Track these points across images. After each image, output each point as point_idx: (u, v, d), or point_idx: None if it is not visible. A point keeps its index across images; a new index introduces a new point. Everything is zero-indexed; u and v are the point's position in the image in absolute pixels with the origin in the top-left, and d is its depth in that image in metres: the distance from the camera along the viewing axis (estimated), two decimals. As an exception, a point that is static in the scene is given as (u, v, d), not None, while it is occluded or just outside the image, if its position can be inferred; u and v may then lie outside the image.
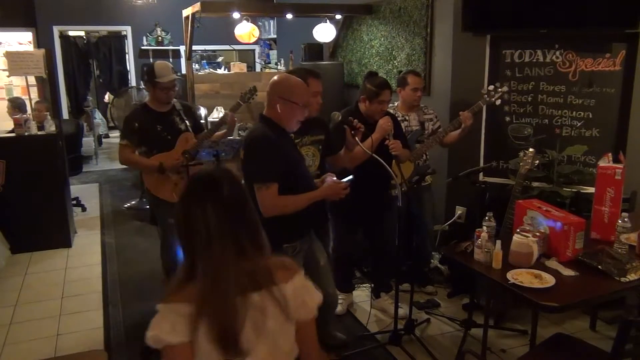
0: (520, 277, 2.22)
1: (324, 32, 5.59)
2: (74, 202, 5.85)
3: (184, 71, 7.18)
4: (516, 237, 2.40)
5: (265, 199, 2.27)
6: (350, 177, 2.44)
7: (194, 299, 1.25)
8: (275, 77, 2.40)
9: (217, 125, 3.52)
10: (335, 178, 2.43)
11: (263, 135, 2.35)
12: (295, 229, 2.42)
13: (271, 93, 2.35)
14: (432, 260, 4.06)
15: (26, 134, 4.71)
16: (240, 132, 5.66)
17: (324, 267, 2.65)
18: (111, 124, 9.76)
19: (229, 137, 3.95)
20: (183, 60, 8.62)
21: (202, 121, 5.21)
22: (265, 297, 1.29)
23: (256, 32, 5.67)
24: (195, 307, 1.24)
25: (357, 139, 2.72)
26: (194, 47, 5.73)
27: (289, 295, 1.32)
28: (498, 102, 3.45)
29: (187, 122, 3.45)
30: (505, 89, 3.42)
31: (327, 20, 5.55)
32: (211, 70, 6.58)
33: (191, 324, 1.24)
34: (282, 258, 1.42)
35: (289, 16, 5.63)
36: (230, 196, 1.35)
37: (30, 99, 5.52)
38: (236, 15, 5.33)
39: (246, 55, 9.34)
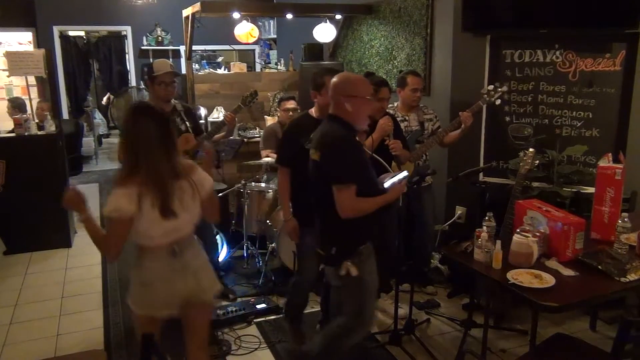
0: (520, 277, 2.22)
1: (324, 32, 5.59)
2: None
3: (184, 71, 7.18)
4: (516, 237, 2.40)
5: (346, 200, 2.23)
6: (405, 173, 2.43)
7: (140, 184, 1.95)
8: (337, 78, 2.37)
9: (218, 126, 3.51)
10: (390, 178, 2.41)
11: (344, 135, 2.32)
12: (368, 230, 2.41)
13: (335, 94, 2.33)
14: (432, 260, 4.06)
15: (26, 134, 4.71)
16: (240, 132, 5.65)
17: None
18: (111, 124, 9.77)
19: (229, 138, 3.95)
20: (183, 60, 8.61)
21: (202, 121, 5.21)
22: (183, 183, 2.05)
23: (255, 32, 5.66)
24: (141, 189, 1.95)
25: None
26: (194, 47, 5.72)
27: (198, 181, 2.10)
28: (498, 102, 3.45)
29: (187, 123, 3.46)
30: (504, 88, 3.42)
31: (327, 20, 5.55)
32: (211, 70, 6.57)
33: (139, 198, 1.95)
34: (186, 160, 2.18)
35: (289, 16, 5.62)
36: (161, 115, 2.10)
37: (30, 99, 5.51)
38: (236, 15, 5.32)
39: (246, 55, 9.33)
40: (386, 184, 2.36)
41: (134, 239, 2.04)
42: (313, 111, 2.90)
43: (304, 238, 2.93)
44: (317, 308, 3.45)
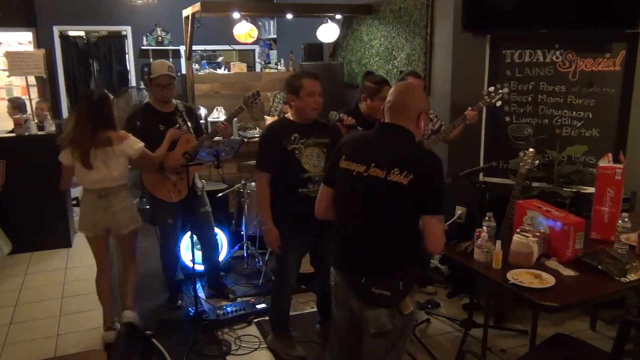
0: (520, 277, 2.22)
1: (327, 32, 5.59)
2: (74, 202, 5.84)
3: (184, 71, 7.17)
4: (516, 237, 2.40)
5: (441, 232, 1.94)
6: None
7: (73, 147, 2.96)
8: (417, 87, 2.11)
9: (213, 133, 3.47)
10: None
11: (439, 159, 1.97)
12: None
13: (418, 107, 2.00)
14: (432, 260, 4.06)
15: (26, 134, 4.71)
16: (240, 132, 5.65)
17: None
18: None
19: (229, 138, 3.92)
20: (183, 60, 8.59)
21: (202, 121, 5.21)
22: (106, 149, 2.97)
23: (254, 33, 5.66)
24: (73, 150, 2.96)
25: None
26: (194, 47, 5.72)
27: (119, 149, 3.00)
28: (498, 103, 3.45)
29: (189, 123, 3.45)
30: (505, 90, 3.40)
31: (329, 20, 5.55)
32: (211, 70, 6.56)
33: (72, 156, 2.97)
34: (118, 133, 3.03)
35: (289, 16, 5.62)
36: (97, 100, 2.99)
37: (30, 99, 5.52)
38: (236, 15, 5.32)
39: (246, 55, 9.32)
40: None
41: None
42: (290, 115, 2.85)
43: (287, 246, 2.83)
44: (316, 308, 3.45)
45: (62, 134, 3.02)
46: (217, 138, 3.48)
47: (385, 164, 1.92)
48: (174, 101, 3.46)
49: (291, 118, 2.84)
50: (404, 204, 1.91)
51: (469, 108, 3.42)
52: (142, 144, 3.06)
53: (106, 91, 3.24)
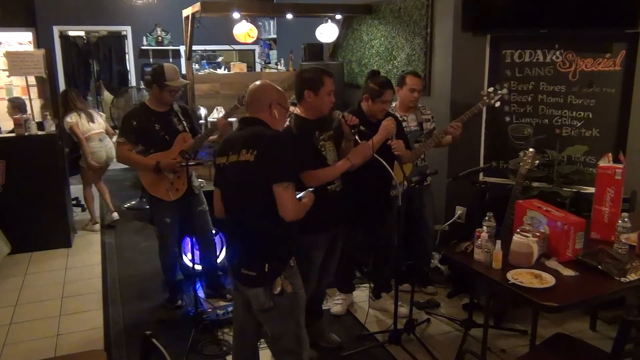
0: (520, 277, 2.22)
1: (327, 32, 5.59)
2: (74, 202, 5.85)
3: (184, 71, 7.17)
4: (516, 237, 2.40)
5: (291, 200, 2.08)
6: (311, 189, 2.35)
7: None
8: (265, 83, 2.32)
9: (211, 130, 3.50)
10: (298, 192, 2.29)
11: (282, 134, 2.24)
12: (296, 241, 2.29)
13: (266, 98, 2.25)
14: (432, 260, 4.06)
15: (26, 134, 4.70)
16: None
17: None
18: (111, 124, 9.73)
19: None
20: (183, 60, 8.59)
21: (202, 121, 5.22)
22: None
23: (253, 33, 5.66)
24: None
25: (357, 137, 2.72)
26: (194, 47, 5.72)
27: None
28: (497, 104, 3.44)
29: (184, 123, 3.47)
30: (505, 91, 3.39)
31: (329, 20, 5.55)
32: (211, 70, 6.56)
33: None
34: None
35: (289, 16, 5.62)
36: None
37: (30, 99, 5.51)
38: (236, 15, 5.32)
39: (246, 55, 9.32)
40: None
41: None
42: (300, 112, 2.75)
43: (314, 245, 2.77)
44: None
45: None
46: (212, 137, 3.48)
47: (237, 148, 2.16)
48: None
49: (302, 115, 2.73)
50: (257, 180, 2.09)
51: (451, 123, 3.39)
52: (70, 123, 5.03)
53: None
